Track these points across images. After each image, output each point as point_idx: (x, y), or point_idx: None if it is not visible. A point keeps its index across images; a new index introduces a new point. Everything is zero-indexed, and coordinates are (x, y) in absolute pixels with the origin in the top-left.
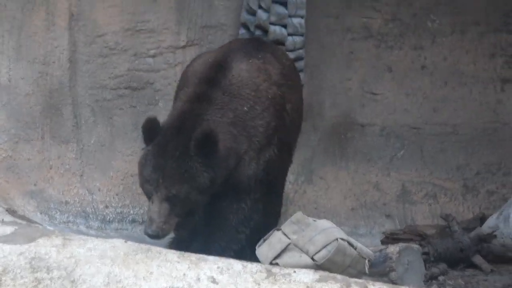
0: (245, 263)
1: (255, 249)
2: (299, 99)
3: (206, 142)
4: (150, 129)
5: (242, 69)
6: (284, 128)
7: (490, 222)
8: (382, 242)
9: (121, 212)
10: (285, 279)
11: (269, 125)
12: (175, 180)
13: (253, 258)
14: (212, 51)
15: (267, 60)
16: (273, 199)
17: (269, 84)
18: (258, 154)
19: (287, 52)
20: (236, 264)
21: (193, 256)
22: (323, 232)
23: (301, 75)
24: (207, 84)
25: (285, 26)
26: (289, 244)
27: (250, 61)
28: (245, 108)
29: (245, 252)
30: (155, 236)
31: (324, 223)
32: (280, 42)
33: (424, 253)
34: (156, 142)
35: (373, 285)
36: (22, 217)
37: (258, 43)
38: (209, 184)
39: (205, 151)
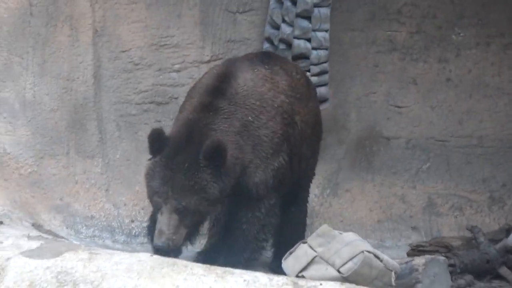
0: (271, 276)
1: (281, 262)
2: (310, 112)
3: (215, 153)
4: (156, 140)
5: (247, 79)
6: (294, 137)
7: None
8: (408, 254)
9: (147, 226)
10: None
11: (275, 134)
12: (185, 192)
13: (281, 271)
14: (219, 65)
15: (274, 72)
16: (296, 208)
17: (275, 93)
18: (264, 162)
19: (310, 65)
20: (262, 277)
21: (219, 269)
22: (349, 245)
23: (326, 89)
24: (212, 94)
25: (309, 40)
26: (315, 256)
27: (256, 70)
28: (250, 118)
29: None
30: (164, 248)
31: (350, 236)
32: (304, 56)
33: (450, 265)
34: (164, 154)
35: None
36: (48, 232)
37: (266, 55)
38: (219, 195)
39: (214, 162)
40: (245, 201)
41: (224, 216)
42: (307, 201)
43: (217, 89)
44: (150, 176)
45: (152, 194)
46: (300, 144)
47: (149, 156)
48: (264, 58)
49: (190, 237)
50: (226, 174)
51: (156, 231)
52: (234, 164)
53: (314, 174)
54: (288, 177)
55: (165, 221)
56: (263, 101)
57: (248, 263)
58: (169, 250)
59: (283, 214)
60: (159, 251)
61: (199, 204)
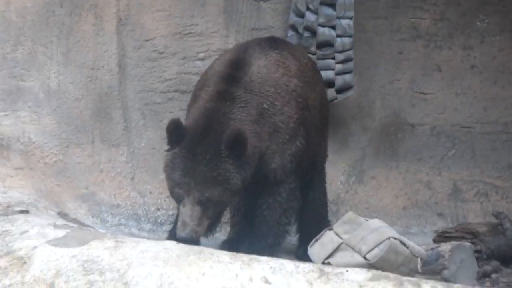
0: (297, 263)
1: (307, 248)
2: (318, 96)
3: (236, 143)
4: (175, 131)
5: (260, 65)
6: (308, 121)
7: None
8: (434, 241)
9: (172, 214)
10: (338, 278)
11: (290, 119)
12: (208, 183)
13: (307, 257)
14: (229, 50)
15: (284, 56)
16: (315, 192)
17: (288, 78)
18: (281, 148)
19: (334, 53)
20: (289, 264)
21: (245, 257)
22: (375, 231)
23: (350, 76)
24: (227, 82)
25: (333, 28)
26: (341, 243)
27: (268, 56)
28: (265, 106)
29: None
30: (188, 239)
31: (376, 223)
32: (329, 44)
33: (477, 251)
34: (183, 145)
35: (426, 283)
36: (74, 221)
37: (273, 40)
38: (241, 185)
39: (236, 152)
40: (265, 187)
41: (244, 204)
42: (324, 183)
43: (232, 77)
44: (170, 168)
45: (173, 186)
46: (313, 127)
47: (167, 147)
48: (272, 43)
49: (211, 227)
50: (247, 163)
51: (179, 223)
52: (253, 152)
53: (327, 156)
54: (305, 160)
55: (188, 212)
56: (278, 87)
57: (272, 248)
58: (192, 242)
59: (302, 200)
60: (183, 242)
61: (222, 195)
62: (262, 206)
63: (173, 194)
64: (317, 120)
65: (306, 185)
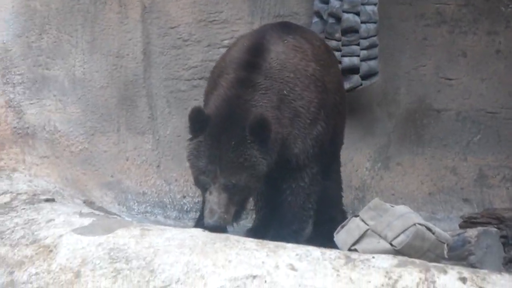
0: (323, 249)
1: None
2: (334, 79)
3: (261, 129)
4: (197, 119)
5: (279, 51)
6: (328, 104)
7: None
8: (460, 226)
9: (198, 202)
10: (364, 265)
11: (310, 103)
12: (234, 169)
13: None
14: (245, 36)
15: (298, 40)
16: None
17: (306, 62)
18: (303, 133)
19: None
20: (315, 251)
21: (272, 244)
22: (401, 218)
23: (375, 62)
24: (247, 68)
25: (358, 14)
26: (367, 230)
27: (285, 41)
28: (285, 92)
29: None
30: (217, 227)
31: (402, 209)
32: (353, 30)
33: (503, 236)
34: (207, 133)
35: (452, 269)
36: (100, 209)
37: (286, 25)
38: (267, 170)
39: (260, 138)
40: (287, 173)
41: (267, 190)
42: (339, 172)
43: (251, 64)
44: (195, 156)
45: (199, 174)
46: (331, 111)
47: (190, 136)
48: (285, 28)
49: (238, 214)
50: (272, 149)
51: (207, 211)
52: (276, 138)
53: (343, 143)
54: (327, 145)
55: (215, 200)
56: (297, 72)
57: (297, 234)
58: (221, 229)
59: None
60: (211, 230)
61: (249, 181)
62: (285, 191)
63: (198, 182)
64: (334, 104)
65: (323, 170)
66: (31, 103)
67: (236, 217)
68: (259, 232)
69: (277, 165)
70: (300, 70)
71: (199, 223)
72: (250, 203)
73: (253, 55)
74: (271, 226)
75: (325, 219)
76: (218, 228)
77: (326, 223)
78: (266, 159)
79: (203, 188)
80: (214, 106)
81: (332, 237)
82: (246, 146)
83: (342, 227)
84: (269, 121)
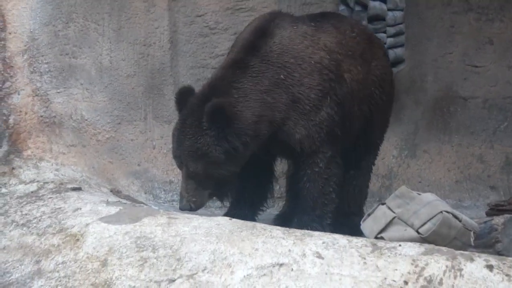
0: (350, 237)
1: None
2: (364, 72)
3: (216, 115)
4: (182, 98)
5: (283, 36)
6: (341, 95)
7: None
8: (487, 214)
9: None
10: (391, 253)
11: (311, 90)
12: (191, 158)
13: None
14: (261, 16)
15: (321, 29)
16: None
17: (314, 50)
18: (303, 118)
19: (386, 26)
20: (341, 239)
21: (298, 232)
22: (428, 205)
23: (402, 50)
24: (246, 50)
25: (385, 1)
26: (394, 218)
27: (295, 27)
28: (282, 76)
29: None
30: (187, 210)
31: (429, 196)
32: (380, 18)
33: None
34: (181, 114)
35: (479, 256)
36: (127, 197)
37: (318, 15)
38: (225, 157)
39: (217, 124)
40: (300, 160)
41: (291, 177)
42: (370, 169)
43: (252, 45)
44: (172, 137)
45: (173, 156)
46: (351, 104)
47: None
48: (316, 16)
49: (223, 195)
50: (237, 133)
51: (179, 195)
52: (256, 122)
53: (381, 140)
54: (339, 132)
55: (183, 185)
56: (299, 58)
57: (322, 219)
58: (193, 211)
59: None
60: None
61: (206, 168)
62: (303, 178)
63: (176, 162)
64: (361, 96)
65: (349, 165)
66: (58, 92)
67: (220, 197)
68: (286, 219)
69: (284, 152)
70: (303, 57)
71: (229, 213)
72: (279, 191)
73: (256, 36)
74: (295, 214)
75: (341, 212)
76: (189, 210)
77: (340, 216)
78: (222, 145)
79: (180, 169)
80: (203, 85)
81: (344, 232)
82: (200, 134)
83: (369, 215)
84: (225, 106)
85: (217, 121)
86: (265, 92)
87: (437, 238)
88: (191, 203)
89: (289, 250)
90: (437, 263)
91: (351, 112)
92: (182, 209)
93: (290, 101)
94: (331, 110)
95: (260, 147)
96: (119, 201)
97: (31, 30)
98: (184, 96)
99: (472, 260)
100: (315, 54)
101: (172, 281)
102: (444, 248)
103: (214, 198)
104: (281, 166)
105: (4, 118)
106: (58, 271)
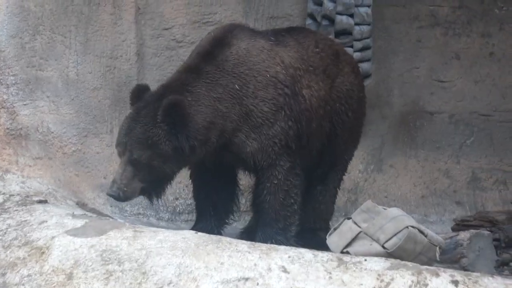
0: (316, 252)
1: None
2: (325, 88)
3: (171, 111)
4: (136, 95)
5: (241, 47)
6: (297, 110)
7: None
8: (453, 229)
9: (191, 204)
10: (356, 268)
11: (265, 104)
12: (139, 145)
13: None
14: (221, 27)
15: (282, 43)
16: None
17: (270, 64)
18: (255, 132)
19: (353, 41)
20: (307, 253)
21: (264, 246)
22: (394, 220)
23: (368, 64)
24: (202, 57)
25: (351, 16)
26: (359, 232)
27: (253, 40)
28: (237, 86)
29: None
30: (115, 197)
31: (394, 211)
32: (347, 32)
33: (495, 239)
34: (135, 107)
35: (445, 272)
36: (93, 210)
37: (281, 30)
38: (172, 153)
39: (170, 120)
40: (259, 174)
41: (254, 192)
42: (337, 184)
43: (208, 54)
44: (120, 126)
45: (116, 145)
46: (309, 120)
47: None
48: (281, 31)
49: (153, 194)
50: (188, 134)
51: (111, 180)
52: (206, 127)
53: (350, 156)
54: (294, 147)
55: (119, 171)
56: (254, 71)
57: (285, 231)
58: (119, 199)
59: (308, 191)
60: (114, 198)
61: (151, 159)
62: (263, 191)
63: (117, 152)
64: (322, 112)
65: (317, 176)
66: (25, 104)
67: (150, 196)
68: (252, 233)
69: (237, 163)
70: (258, 70)
71: (194, 227)
72: (245, 205)
73: (213, 45)
74: (258, 227)
75: (307, 228)
76: (117, 198)
77: (306, 232)
78: (172, 141)
79: (119, 158)
80: (158, 86)
81: (310, 247)
82: (154, 125)
83: (335, 229)
84: (181, 105)
85: (171, 117)
86: (217, 100)
87: (403, 253)
88: (121, 192)
89: (255, 264)
90: (402, 278)
91: (309, 128)
92: (110, 194)
93: (243, 113)
94: (285, 124)
95: (214, 157)
96: (85, 214)
97: None
98: (140, 92)
99: (437, 275)
100: (270, 68)
101: None
102: (409, 263)
103: (145, 196)
104: (247, 180)
105: None
106: (23, 284)
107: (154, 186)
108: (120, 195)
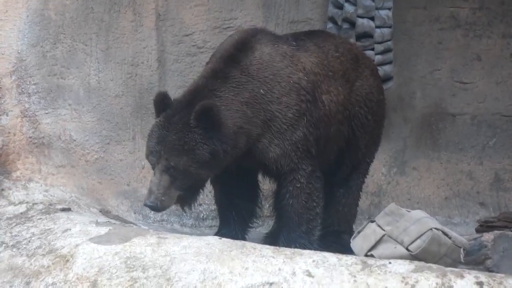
0: (340, 255)
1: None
2: (344, 93)
3: (205, 115)
4: (161, 103)
5: (264, 52)
6: (316, 116)
7: None
8: (477, 231)
9: (214, 210)
10: (381, 270)
11: (289, 109)
12: (175, 152)
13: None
14: (242, 30)
15: (303, 48)
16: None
17: (292, 70)
18: (278, 137)
19: (374, 43)
20: (331, 257)
21: (288, 251)
22: (417, 222)
23: (390, 67)
24: (226, 61)
25: (372, 19)
26: (383, 235)
27: (276, 46)
28: (262, 91)
29: None
30: (153, 208)
31: (418, 213)
32: (368, 35)
33: None
34: (164, 115)
35: (469, 273)
36: (116, 218)
37: (301, 34)
38: (209, 157)
39: (204, 124)
40: (281, 179)
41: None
42: (360, 187)
43: (232, 57)
44: (149, 136)
45: (148, 154)
46: (328, 125)
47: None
48: (300, 35)
49: (187, 202)
50: (220, 138)
51: (148, 190)
52: (236, 132)
53: (371, 158)
54: (313, 152)
55: (155, 181)
56: (278, 76)
57: (309, 235)
58: (157, 210)
59: (331, 195)
60: (151, 209)
61: (188, 165)
62: (285, 195)
63: (149, 162)
64: (340, 117)
65: (338, 180)
66: (46, 113)
67: (184, 204)
68: (275, 238)
69: (260, 168)
70: (282, 75)
71: (218, 232)
72: (268, 209)
73: (237, 49)
74: (281, 231)
75: (331, 231)
76: (155, 208)
77: (330, 235)
78: (209, 145)
79: (152, 168)
80: (183, 92)
81: (334, 251)
82: (188, 130)
83: (359, 232)
84: (215, 109)
85: (204, 122)
86: (245, 105)
87: (427, 255)
88: (159, 202)
89: (279, 269)
90: (427, 281)
91: (327, 133)
92: (147, 205)
93: (266, 118)
94: (307, 130)
95: (237, 162)
96: (108, 221)
97: (19, 51)
98: (164, 100)
99: (462, 277)
100: (293, 74)
101: None
102: (434, 265)
103: (178, 204)
104: (269, 184)
105: None
106: None
107: (190, 194)
108: (158, 205)
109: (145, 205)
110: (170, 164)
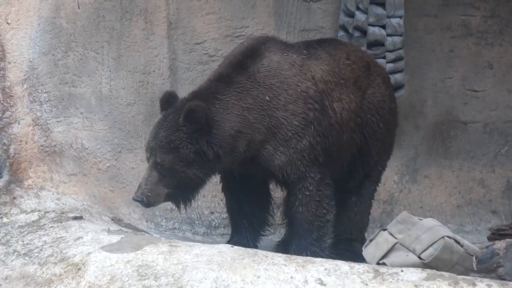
0: (352, 263)
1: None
2: (356, 100)
3: (192, 116)
4: (165, 101)
5: (272, 60)
6: (325, 124)
7: None
8: (489, 239)
9: (226, 218)
10: (393, 279)
11: (295, 117)
12: (162, 149)
13: None
14: (253, 38)
15: (314, 57)
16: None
17: (301, 79)
18: (283, 145)
19: (385, 52)
20: (343, 265)
21: (300, 259)
22: (429, 231)
23: (401, 75)
24: (234, 67)
25: (383, 27)
26: (395, 243)
27: (285, 54)
28: (267, 98)
29: None
30: (139, 202)
31: (430, 222)
32: (379, 43)
33: None
34: (164, 113)
35: (481, 281)
36: (128, 226)
37: (312, 42)
38: (194, 157)
39: (192, 124)
40: (290, 186)
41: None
42: (372, 195)
43: (240, 64)
44: (150, 132)
45: (145, 149)
46: (340, 133)
47: None
48: (312, 43)
49: (179, 201)
50: (210, 140)
51: (138, 185)
52: (233, 136)
53: (383, 166)
54: (321, 160)
55: (145, 176)
56: (285, 83)
57: (320, 242)
58: (143, 204)
59: (342, 204)
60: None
61: (173, 163)
62: (295, 203)
63: (146, 157)
64: (352, 125)
65: (350, 187)
66: (58, 121)
67: (177, 203)
68: (287, 246)
69: (267, 175)
70: (289, 83)
71: (230, 240)
72: (280, 217)
73: (246, 56)
74: (292, 239)
75: (343, 238)
76: (141, 203)
77: (342, 243)
78: (193, 145)
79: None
80: (188, 94)
81: (345, 259)
82: (176, 129)
83: (371, 240)
84: (200, 110)
85: (190, 121)
86: (247, 110)
87: (439, 263)
88: (145, 197)
89: (291, 277)
90: None
91: (339, 141)
92: (134, 199)
93: (272, 125)
94: (313, 139)
95: (244, 169)
96: (120, 229)
97: (31, 60)
98: (169, 98)
99: (474, 285)
100: (301, 82)
101: None
102: (446, 273)
103: (172, 202)
104: (280, 192)
105: (5, 147)
106: None
107: (181, 193)
108: (144, 200)
109: (133, 198)
110: (157, 160)
